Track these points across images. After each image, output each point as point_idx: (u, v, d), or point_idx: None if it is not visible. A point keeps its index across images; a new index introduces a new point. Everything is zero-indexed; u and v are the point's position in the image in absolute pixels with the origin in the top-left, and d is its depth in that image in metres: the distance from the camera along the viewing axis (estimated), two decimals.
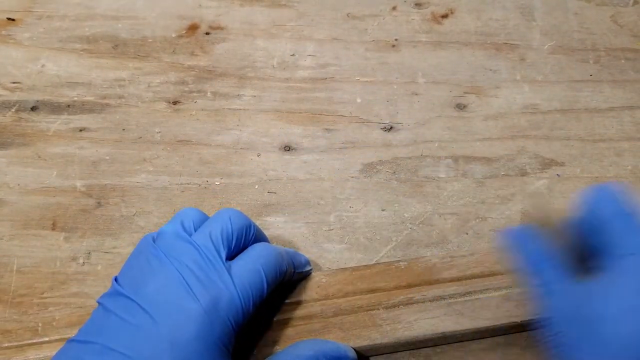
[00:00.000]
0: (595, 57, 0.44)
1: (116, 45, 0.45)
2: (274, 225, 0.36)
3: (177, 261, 0.26)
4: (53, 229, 0.36)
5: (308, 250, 0.35)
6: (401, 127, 0.41)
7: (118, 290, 0.26)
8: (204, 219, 0.29)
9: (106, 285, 0.34)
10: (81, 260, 0.35)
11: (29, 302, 0.34)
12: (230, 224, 0.28)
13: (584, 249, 0.27)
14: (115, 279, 0.27)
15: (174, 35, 0.46)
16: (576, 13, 0.47)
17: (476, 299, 0.31)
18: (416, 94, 0.42)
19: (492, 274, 0.32)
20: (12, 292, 0.34)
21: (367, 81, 0.43)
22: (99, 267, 0.35)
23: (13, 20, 0.46)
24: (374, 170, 0.39)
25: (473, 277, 0.32)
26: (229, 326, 0.25)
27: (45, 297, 0.34)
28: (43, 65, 0.44)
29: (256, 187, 0.38)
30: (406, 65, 0.44)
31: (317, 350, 0.27)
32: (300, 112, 0.42)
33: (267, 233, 0.36)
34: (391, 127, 0.41)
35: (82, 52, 0.45)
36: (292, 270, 0.30)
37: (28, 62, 0.44)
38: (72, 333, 0.28)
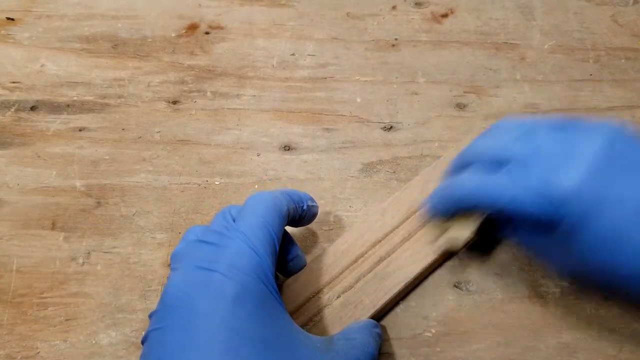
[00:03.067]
0: (595, 56, 0.44)
1: (116, 45, 0.45)
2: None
3: (188, 261, 0.27)
4: (53, 229, 0.36)
5: (308, 250, 0.35)
6: (401, 126, 0.41)
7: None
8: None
9: (106, 285, 0.34)
10: (81, 260, 0.35)
11: (29, 302, 0.34)
12: (227, 212, 0.29)
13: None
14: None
15: (173, 35, 0.46)
16: (576, 13, 0.47)
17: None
18: (416, 94, 0.42)
19: None
20: (12, 292, 0.34)
21: (367, 81, 0.43)
22: (99, 267, 0.35)
23: (12, 19, 0.46)
24: (374, 170, 0.39)
25: None
26: (257, 275, 0.26)
27: (45, 297, 0.34)
28: (42, 65, 0.44)
29: (256, 186, 0.38)
30: (406, 65, 0.44)
31: (364, 325, 0.29)
32: (300, 112, 0.42)
33: None
34: (391, 127, 0.41)
35: (81, 52, 0.45)
36: (294, 207, 0.31)
37: (27, 62, 0.44)
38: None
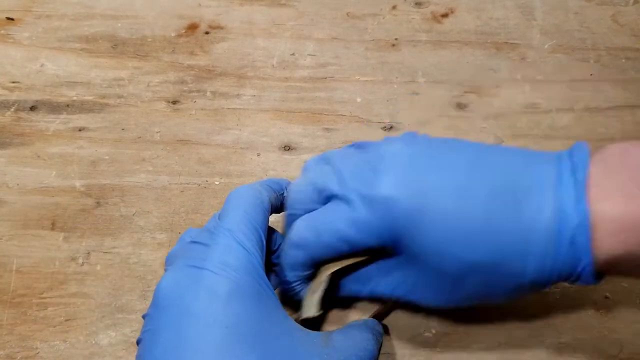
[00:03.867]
0: (595, 56, 0.44)
1: (115, 45, 0.45)
2: (273, 225, 0.36)
3: (179, 261, 0.26)
4: (52, 229, 0.36)
5: None
6: (401, 126, 0.41)
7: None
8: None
9: (105, 285, 0.34)
10: (80, 260, 0.35)
11: (28, 302, 0.34)
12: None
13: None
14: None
15: (173, 35, 0.45)
16: (576, 12, 0.47)
17: None
18: (416, 94, 0.42)
19: None
20: (12, 292, 0.34)
21: (367, 80, 0.43)
22: (98, 267, 0.35)
23: (12, 19, 0.46)
24: None
25: None
26: (248, 271, 0.26)
27: (45, 297, 0.34)
28: (42, 65, 0.44)
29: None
30: (406, 65, 0.44)
31: (363, 323, 0.29)
32: (300, 112, 0.42)
33: None
34: (391, 127, 0.41)
35: (81, 52, 0.44)
36: (275, 196, 0.30)
37: (27, 62, 0.44)
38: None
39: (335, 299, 0.31)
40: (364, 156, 0.28)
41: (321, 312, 0.29)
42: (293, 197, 0.30)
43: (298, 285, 0.29)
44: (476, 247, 0.25)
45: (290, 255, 0.29)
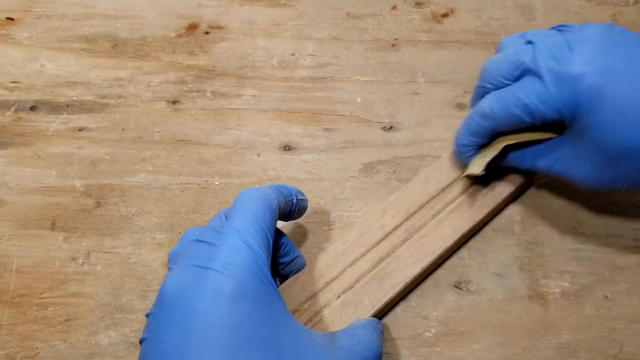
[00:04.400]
0: None
1: (115, 45, 0.45)
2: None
3: (184, 260, 0.26)
4: (52, 229, 0.36)
5: (308, 250, 0.35)
6: (401, 126, 0.41)
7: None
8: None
9: (105, 285, 0.34)
10: (80, 260, 0.35)
11: (29, 302, 0.34)
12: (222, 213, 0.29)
13: None
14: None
15: (173, 35, 0.45)
16: (576, 12, 0.47)
17: None
18: (416, 94, 0.42)
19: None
20: (12, 292, 0.34)
21: (367, 80, 0.43)
22: (98, 267, 0.35)
23: (12, 19, 0.46)
24: (374, 169, 0.39)
25: None
26: (253, 272, 0.26)
27: (45, 297, 0.34)
28: (42, 65, 0.44)
29: (256, 186, 0.38)
30: (406, 65, 0.44)
31: (367, 321, 0.29)
32: (300, 112, 0.42)
33: None
34: (391, 127, 0.41)
35: (81, 52, 0.44)
36: (284, 201, 0.31)
37: (27, 62, 0.44)
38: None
39: (499, 166, 0.34)
40: (564, 36, 0.30)
41: (485, 172, 0.32)
42: (487, 70, 0.32)
43: (472, 150, 0.33)
44: None
45: (476, 123, 0.32)
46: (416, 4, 0.47)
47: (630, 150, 0.28)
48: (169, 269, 0.27)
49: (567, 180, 0.32)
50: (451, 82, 0.43)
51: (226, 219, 0.28)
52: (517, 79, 0.31)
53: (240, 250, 0.26)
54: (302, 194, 0.33)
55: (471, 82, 0.43)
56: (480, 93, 0.33)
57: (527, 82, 0.30)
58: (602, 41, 0.29)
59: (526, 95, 0.29)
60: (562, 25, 0.32)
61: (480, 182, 0.35)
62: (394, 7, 0.47)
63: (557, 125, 0.30)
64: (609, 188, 0.30)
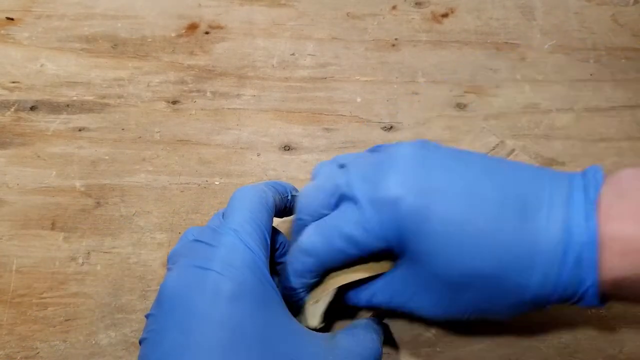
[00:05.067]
0: (595, 56, 0.44)
1: (115, 45, 0.45)
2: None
3: (183, 260, 0.26)
4: (52, 229, 0.36)
5: None
6: (401, 126, 0.41)
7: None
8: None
9: (105, 285, 0.34)
10: (80, 260, 0.35)
11: (28, 302, 0.34)
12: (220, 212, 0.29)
13: None
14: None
15: (173, 35, 0.45)
16: (576, 12, 0.47)
17: None
18: (416, 94, 0.42)
19: None
20: (12, 292, 0.34)
21: (367, 80, 0.43)
22: (99, 267, 0.35)
23: (12, 19, 0.46)
24: None
25: None
26: (253, 272, 0.26)
27: (45, 297, 0.34)
28: (42, 65, 0.44)
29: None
30: (406, 65, 0.44)
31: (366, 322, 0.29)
32: (300, 112, 0.42)
33: None
34: (391, 127, 0.41)
35: (81, 52, 0.44)
36: (280, 197, 0.30)
37: (27, 62, 0.44)
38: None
39: (337, 309, 0.31)
40: (376, 158, 0.28)
41: (324, 324, 0.29)
42: (303, 202, 0.30)
43: (302, 292, 0.29)
44: (480, 255, 0.25)
45: (300, 262, 0.28)
46: (416, 4, 0.47)
47: (468, 277, 0.25)
48: (168, 269, 0.27)
49: (410, 313, 0.29)
50: (451, 82, 0.43)
51: (224, 218, 0.28)
52: (336, 206, 0.28)
53: (238, 250, 0.26)
54: (297, 190, 0.32)
55: (471, 82, 0.43)
56: (300, 227, 0.29)
57: (346, 209, 0.27)
58: (415, 158, 0.27)
59: (347, 224, 0.27)
60: (376, 146, 0.30)
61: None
62: (394, 7, 0.47)
63: (388, 255, 0.28)
64: (456, 318, 0.28)
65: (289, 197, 0.31)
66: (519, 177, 0.26)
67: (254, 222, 0.27)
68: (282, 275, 0.30)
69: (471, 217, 0.25)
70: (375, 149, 0.30)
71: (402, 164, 0.27)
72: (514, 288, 0.25)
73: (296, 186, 0.36)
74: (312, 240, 0.28)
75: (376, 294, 0.29)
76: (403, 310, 0.29)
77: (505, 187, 0.26)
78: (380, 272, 0.28)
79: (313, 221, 0.29)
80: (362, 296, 0.30)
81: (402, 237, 0.26)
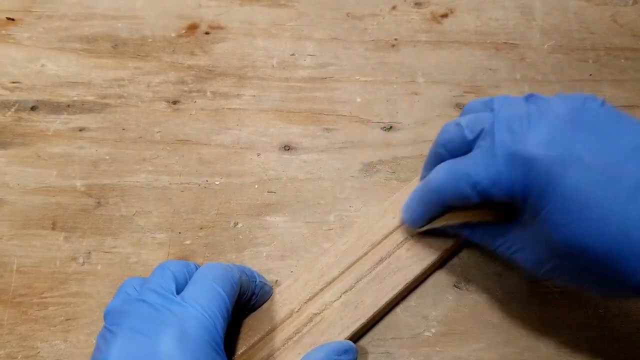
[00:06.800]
0: (594, 56, 0.44)
1: (116, 45, 0.45)
2: (273, 225, 0.36)
3: (128, 325, 0.25)
4: (53, 229, 0.36)
5: (308, 250, 0.35)
6: (401, 126, 0.41)
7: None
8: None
9: (106, 285, 0.34)
10: (81, 260, 0.35)
11: (29, 302, 0.34)
12: (167, 268, 0.28)
13: None
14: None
15: (173, 35, 0.46)
16: (576, 13, 0.47)
17: None
18: (416, 94, 0.42)
19: None
20: (12, 292, 0.34)
21: (366, 81, 0.43)
22: (99, 267, 0.35)
23: (13, 20, 0.46)
24: (374, 169, 0.39)
25: None
26: (208, 343, 0.25)
27: (45, 297, 0.34)
28: (43, 65, 0.44)
29: (256, 186, 0.38)
30: (406, 65, 0.44)
31: (328, 352, 0.28)
32: (299, 112, 0.42)
33: (266, 233, 0.36)
34: (391, 127, 0.41)
35: (81, 52, 0.45)
36: (246, 278, 0.30)
37: (28, 62, 0.44)
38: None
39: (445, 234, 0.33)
40: (529, 107, 0.27)
41: (424, 228, 0.32)
42: (443, 133, 0.30)
43: (421, 221, 0.31)
44: (599, 232, 0.24)
45: (425, 195, 0.30)
46: (416, 4, 0.48)
47: (580, 250, 0.25)
48: (111, 331, 0.25)
49: (511, 261, 0.29)
50: (451, 82, 0.43)
51: (177, 283, 0.27)
52: (472, 148, 0.28)
53: (195, 320, 0.25)
54: (266, 279, 0.32)
55: (471, 82, 0.43)
56: (434, 159, 0.31)
57: (480, 156, 0.27)
58: (568, 119, 0.26)
59: (478, 173, 0.27)
60: (532, 96, 0.29)
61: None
62: (393, 8, 0.47)
63: (509, 205, 0.28)
64: (553, 280, 0.28)
65: (257, 282, 0.31)
66: None
67: (214, 291, 0.26)
68: (405, 203, 0.32)
69: (602, 194, 0.24)
70: (530, 98, 0.28)
71: (550, 123, 0.26)
72: (622, 273, 0.24)
73: (296, 186, 0.36)
74: (441, 182, 0.28)
75: (488, 237, 0.30)
76: (505, 258, 0.29)
77: None
78: (495, 219, 0.29)
79: (449, 156, 0.29)
80: (476, 235, 0.31)
81: (528, 196, 0.26)
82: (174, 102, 0.42)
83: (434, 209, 0.30)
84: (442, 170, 0.29)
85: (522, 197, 0.26)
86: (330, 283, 0.32)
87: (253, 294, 0.30)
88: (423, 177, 0.33)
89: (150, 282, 0.27)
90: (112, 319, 0.26)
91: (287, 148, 0.40)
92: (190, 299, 0.26)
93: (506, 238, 0.29)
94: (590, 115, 0.26)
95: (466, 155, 0.28)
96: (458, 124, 0.29)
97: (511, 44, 0.45)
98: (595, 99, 0.27)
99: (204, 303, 0.26)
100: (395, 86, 0.43)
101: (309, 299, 0.31)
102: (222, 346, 0.26)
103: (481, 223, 0.30)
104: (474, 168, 0.27)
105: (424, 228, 0.32)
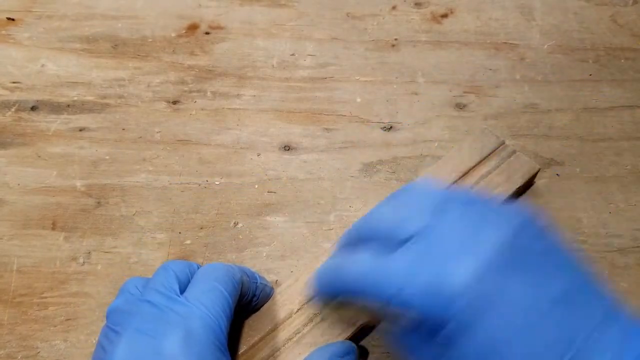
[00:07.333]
0: (594, 56, 0.44)
1: (116, 45, 0.45)
2: (273, 225, 0.36)
3: (132, 325, 0.25)
4: (53, 229, 0.36)
5: (308, 250, 0.35)
6: (401, 126, 0.41)
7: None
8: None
9: (106, 285, 0.34)
10: (81, 260, 0.35)
11: (29, 302, 0.34)
12: (170, 269, 0.28)
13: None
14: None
15: (173, 35, 0.46)
16: (576, 13, 0.47)
17: None
18: (416, 94, 0.42)
19: None
20: (12, 292, 0.34)
21: (366, 81, 0.43)
22: (99, 267, 0.35)
23: (13, 20, 0.46)
24: (374, 169, 0.39)
25: None
26: (213, 343, 0.25)
27: (45, 297, 0.34)
28: (43, 65, 0.44)
29: (256, 186, 0.38)
30: (406, 65, 0.44)
31: (329, 355, 0.28)
32: (299, 112, 0.42)
33: (266, 233, 0.36)
34: (391, 127, 0.41)
35: (82, 52, 0.45)
36: (247, 279, 0.30)
37: (28, 62, 0.44)
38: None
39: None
40: (467, 222, 0.24)
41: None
42: (374, 217, 0.27)
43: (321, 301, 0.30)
44: None
45: (337, 280, 0.27)
46: (416, 4, 0.48)
47: None
48: (115, 331, 0.25)
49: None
50: (451, 82, 0.43)
51: (179, 282, 0.27)
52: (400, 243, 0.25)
53: (199, 321, 0.25)
54: (266, 281, 0.32)
55: (471, 82, 0.43)
56: (354, 238, 0.27)
57: (397, 267, 0.24)
58: (500, 251, 0.23)
59: (389, 287, 0.23)
60: (474, 199, 0.25)
61: None
62: (393, 8, 0.47)
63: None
64: None
65: (257, 283, 0.31)
66: (583, 320, 0.22)
67: (217, 290, 0.26)
68: (317, 275, 0.28)
69: (519, 344, 0.22)
70: (472, 202, 0.25)
71: (482, 257, 0.23)
72: None
73: (296, 186, 0.36)
74: (361, 272, 0.25)
75: (402, 337, 0.25)
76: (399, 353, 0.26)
77: (564, 329, 0.22)
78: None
79: (377, 242, 0.26)
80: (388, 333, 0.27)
81: (444, 326, 0.23)
82: (174, 102, 0.42)
83: (345, 296, 0.27)
84: (359, 267, 0.25)
85: (438, 326, 0.23)
86: None
87: (254, 295, 0.30)
88: (342, 247, 0.29)
89: (153, 282, 0.27)
90: (115, 319, 0.26)
91: (287, 148, 0.40)
92: (194, 299, 0.26)
93: (420, 346, 0.25)
94: (523, 250, 0.23)
95: (392, 258, 0.24)
96: (393, 215, 0.26)
97: (511, 44, 0.45)
98: (534, 225, 0.24)
99: (208, 303, 0.26)
100: (395, 86, 0.43)
101: (309, 299, 0.31)
102: (226, 346, 0.26)
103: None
104: (392, 280, 0.24)
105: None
